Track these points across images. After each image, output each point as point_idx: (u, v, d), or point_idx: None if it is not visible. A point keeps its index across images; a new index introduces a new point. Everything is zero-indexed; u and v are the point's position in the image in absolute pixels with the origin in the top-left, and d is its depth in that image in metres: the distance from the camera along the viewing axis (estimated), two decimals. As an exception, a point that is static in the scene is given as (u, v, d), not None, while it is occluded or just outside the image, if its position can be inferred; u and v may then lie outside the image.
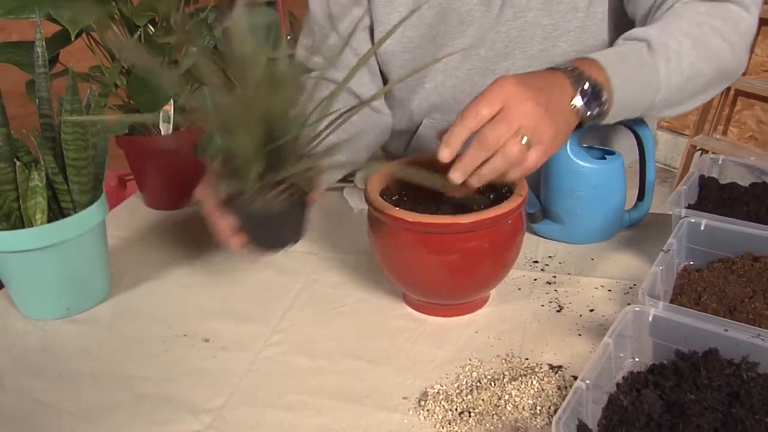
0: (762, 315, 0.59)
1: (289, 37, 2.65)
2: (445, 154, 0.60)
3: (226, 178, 0.58)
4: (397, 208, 0.64)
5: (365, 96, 0.89)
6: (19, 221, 0.69)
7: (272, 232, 0.62)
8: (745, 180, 0.80)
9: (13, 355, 0.68)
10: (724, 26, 0.71)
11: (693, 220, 0.68)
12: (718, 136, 2.75)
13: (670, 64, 0.68)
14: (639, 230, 0.84)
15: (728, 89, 2.64)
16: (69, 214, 0.71)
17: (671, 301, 0.63)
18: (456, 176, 0.60)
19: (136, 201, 1.01)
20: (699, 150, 2.74)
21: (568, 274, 0.77)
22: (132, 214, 0.97)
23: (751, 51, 2.56)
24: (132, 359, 0.67)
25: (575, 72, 0.64)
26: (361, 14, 0.87)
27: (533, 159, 0.61)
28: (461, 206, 0.71)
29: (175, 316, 0.73)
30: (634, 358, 0.57)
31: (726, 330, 0.52)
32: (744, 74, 2.62)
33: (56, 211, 0.72)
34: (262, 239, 0.63)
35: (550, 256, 0.81)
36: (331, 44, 0.88)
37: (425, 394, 0.59)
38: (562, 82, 0.63)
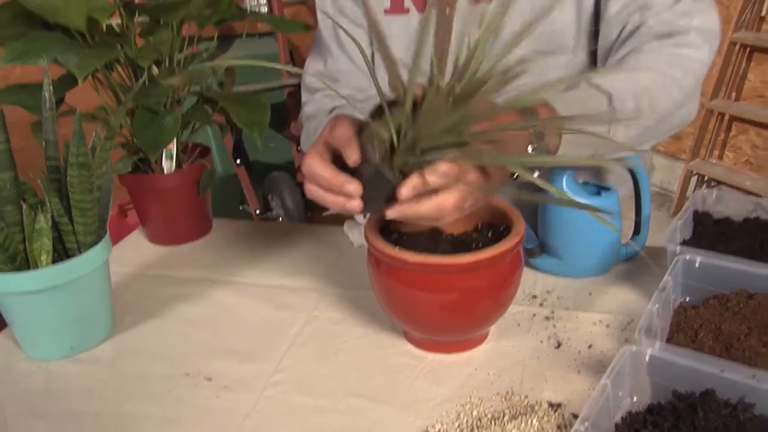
0: (758, 353, 0.60)
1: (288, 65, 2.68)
2: (401, 194, 0.58)
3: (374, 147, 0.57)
4: (397, 248, 0.66)
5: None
6: (24, 262, 0.70)
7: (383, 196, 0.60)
8: (739, 212, 0.81)
9: (17, 396, 0.69)
10: (685, 78, 0.75)
11: (688, 257, 0.69)
12: (714, 161, 2.78)
13: (629, 130, 0.72)
14: (636, 264, 0.85)
15: (723, 115, 2.67)
16: (73, 255, 0.72)
17: (668, 339, 0.64)
18: (390, 213, 0.59)
19: (138, 236, 1.03)
20: (695, 174, 2.76)
21: (567, 308, 0.78)
22: (135, 250, 0.98)
23: (744, 78, 2.61)
24: (135, 399, 0.67)
25: (537, 133, 0.65)
26: (365, 39, 0.90)
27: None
28: (460, 244, 0.72)
29: (178, 354, 0.74)
30: (632, 398, 0.58)
31: (722, 371, 0.53)
32: (737, 100, 2.66)
33: (61, 252, 0.73)
34: (372, 202, 0.61)
35: (548, 291, 0.82)
36: (342, 68, 0.91)
37: (426, 434, 0.60)
38: (522, 141, 0.65)
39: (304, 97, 0.98)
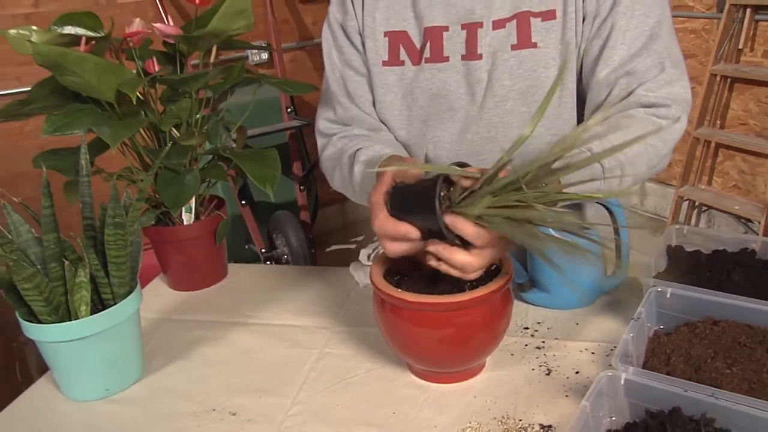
0: (723, 374, 0.68)
1: (289, 110, 2.80)
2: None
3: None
4: (399, 290, 0.74)
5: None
6: (65, 313, 0.78)
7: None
8: (708, 246, 0.89)
9: (60, 434, 0.76)
10: (664, 146, 0.86)
11: (660, 289, 0.77)
12: (703, 187, 2.87)
13: (612, 184, 0.81)
14: (618, 295, 0.93)
15: (709, 142, 2.77)
16: (109, 305, 0.80)
17: (644, 363, 0.72)
18: (431, 248, 0.70)
19: (159, 283, 1.11)
20: (686, 200, 2.85)
21: (556, 338, 0.85)
22: (157, 296, 1.06)
23: (727, 107, 2.71)
24: (168, 434, 0.75)
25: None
26: (367, 85, 0.99)
27: None
28: (455, 283, 0.80)
29: (203, 392, 0.82)
30: (611, 417, 0.65)
31: (686, 391, 0.60)
32: (722, 128, 2.76)
33: (96, 302, 0.81)
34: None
35: (539, 322, 0.89)
36: (352, 115, 0.99)
37: (431, 457, 0.67)
38: None
39: (320, 142, 1.04)
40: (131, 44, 0.98)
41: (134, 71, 0.95)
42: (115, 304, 0.79)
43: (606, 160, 0.79)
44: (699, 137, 2.74)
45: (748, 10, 2.53)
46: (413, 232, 0.70)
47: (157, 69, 1.00)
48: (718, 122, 2.77)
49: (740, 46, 2.60)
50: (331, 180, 1.02)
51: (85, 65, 0.84)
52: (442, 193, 0.67)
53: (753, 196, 2.71)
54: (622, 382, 0.64)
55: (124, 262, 0.79)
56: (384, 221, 0.71)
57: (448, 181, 0.71)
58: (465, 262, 0.69)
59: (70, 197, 0.95)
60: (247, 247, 2.62)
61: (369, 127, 0.99)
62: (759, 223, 2.55)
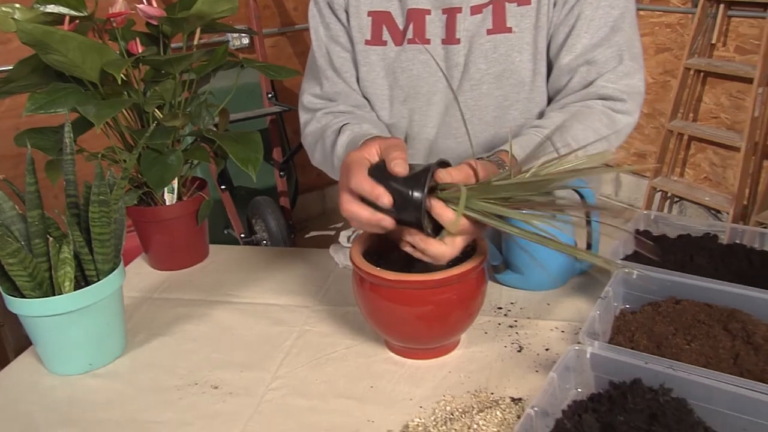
0: (682, 349, 0.72)
1: (270, 96, 2.80)
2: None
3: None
4: (378, 268, 0.76)
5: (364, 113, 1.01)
6: (49, 289, 0.79)
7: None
8: (674, 230, 0.93)
9: (45, 407, 0.78)
10: (616, 138, 0.92)
11: (627, 270, 0.81)
12: (675, 178, 2.94)
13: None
14: (589, 276, 0.97)
15: (682, 135, 2.84)
16: (92, 281, 0.81)
17: (610, 340, 0.76)
18: (409, 238, 0.73)
19: (141, 263, 1.12)
20: (659, 191, 2.92)
21: (528, 318, 0.89)
22: (139, 276, 1.07)
23: (700, 100, 2.78)
24: (151, 407, 0.77)
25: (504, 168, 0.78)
26: (353, 62, 1.00)
27: None
28: (432, 263, 0.83)
29: (186, 366, 0.84)
30: (577, 389, 0.69)
31: (646, 363, 0.64)
32: (695, 120, 2.83)
33: (79, 278, 0.82)
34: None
35: (512, 303, 0.93)
36: (338, 90, 1.01)
37: (407, 427, 0.70)
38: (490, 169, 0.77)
39: (303, 117, 1.05)
40: (114, 24, 0.98)
41: (117, 52, 0.95)
42: (99, 280, 0.81)
43: (561, 146, 0.83)
44: (672, 129, 2.81)
45: (722, 6, 2.59)
46: (386, 197, 0.69)
47: (140, 50, 1.01)
48: (691, 115, 2.83)
49: (713, 41, 2.66)
50: (311, 155, 1.03)
51: (70, 44, 0.85)
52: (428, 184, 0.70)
53: (723, 188, 2.79)
54: (588, 355, 0.68)
55: (108, 239, 0.80)
56: (363, 179, 0.70)
57: (444, 167, 0.73)
58: (439, 252, 0.72)
59: (52, 176, 0.96)
60: (226, 232, 2.62)
61: (354, 103, 1.01)
62: (728, 214, 2.63)
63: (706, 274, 0.80)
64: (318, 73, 1.03)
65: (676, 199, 2.96)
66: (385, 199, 0.69)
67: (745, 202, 2.63)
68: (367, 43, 0.98)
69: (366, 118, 0.98)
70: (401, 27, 0.96)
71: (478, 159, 0.79)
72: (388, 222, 0.72)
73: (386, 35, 0.97)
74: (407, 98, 0.98)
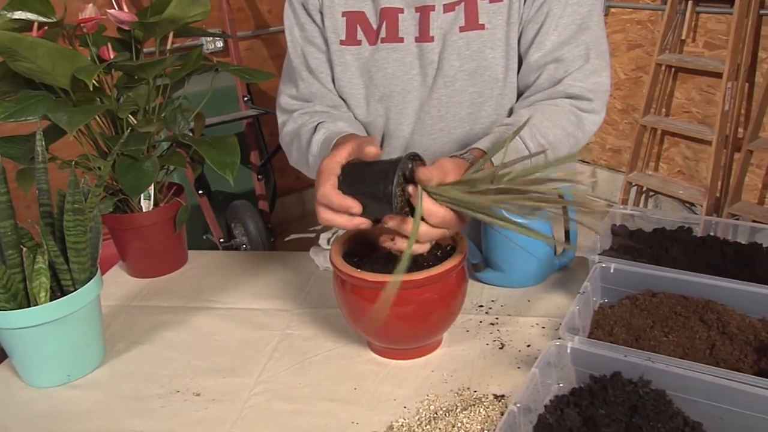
0: (660, 341, 0.73)
1: (246, 99, 2.78)
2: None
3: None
4: (359, 270, 0.76)
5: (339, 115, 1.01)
6: (24, 300, 0.78)
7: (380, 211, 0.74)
8: (649, 224, 0.95)
9: (22, 420, 0.76)
10: (583, 137, 0.93)
11: (604, 265, 0.82)
12: (650, 173, 2.99)
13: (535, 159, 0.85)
14: (568, 272, 0.98)
15: (655, 130, 2.89)
16: (69, 291, 0.80)
17: (589, 334, 0.76)
18: (391, 223, 0.73)
19: (118, 271, 1.11)
20: (635, 185, 2.96)
21: (509, 315, 0.90)
22: (116, 284, 1.06)
23: (672, 95, 2.82)
24: (133, 415, 0.76)
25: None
26: (328, 62, 1.00)
27: None
28: (412, 263, 0.83)
29: (167, 374, 0.83)
30: (559, 384, 0.69)
31: (626, 356, 0.65)
32: (667, 115, 2.88)
33: (55, 289, 0.81)
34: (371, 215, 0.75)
35: (492, 300, 0.93)
36: (314, 90, 1.01)
37: (391, 427, 0.70)
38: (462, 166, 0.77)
39: (281, 118, 1.05)
40: (85, 30, 0.97)
41: (88, 58, 0.94)
42: (76, 290, 0.79)
43: (532, 145, 0.85)
44: (646, 125, 2.85)
45: (690, 3, 2.64)
46: (356, 207, 0.72)
47: (112, 56, 0.99)
48: (664, 110, 2.88)
49: (683, 37, 2.71)
50: (289, 155, 1.04)
51: (39, 51, 0.84)
52: (402, 173, 0.71)
53: (696, 181, 2.84)
54: (569, 350, 0.68)
55: (84, 248, 0.79)
56: (330, 191, 0.72)
57: (414, 160, 0.74)
58: (419, 231, 0.71)
59: (23, 185, 0.94)
60: (204, 237, 2.60)
61: (330, 103, 1.01)
62: (701, 206, 2.67)
63: (681, 267, 0.81)
64: (294, 74, 1.03)
65: (651, 193, 3.00)
66: (355, 209, 0.72)
67: (717, 195, 2.68)
68: (342, 43, 0.98)
69: (342, 117, 0.98)
70: (375, 26, 0.96)
71: (452, 156, 0.79)
72: (365, 224, 0.74)
73: (360, 35, 0.97)
74: (382, 97, 0.99)
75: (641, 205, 3.01)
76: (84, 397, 0.80)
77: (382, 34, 0.95)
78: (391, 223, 0.72)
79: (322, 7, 0.97)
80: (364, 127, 1.02)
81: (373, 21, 0.96)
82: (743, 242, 0.89)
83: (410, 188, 0.71)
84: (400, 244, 0.73)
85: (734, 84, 2.51)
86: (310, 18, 0.99)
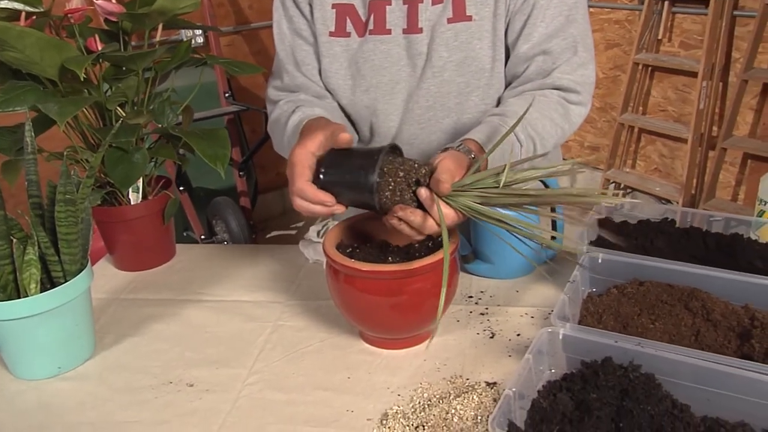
0: (647, 328, 0.75)
1: (227, 95, 2.77)
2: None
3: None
4: (352, 260, 0.77)
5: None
6: (14, 291, 0.77)
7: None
8: (634, 216, 0.97)
9: (12, 413, 0.76)
10: (570, 128, 0.95)
11: (592, 255, 0.84)
12: (627, 170, 3.04)
13: (524, 149, 0.88)
14: (555, 264, 1.00)
15: (632, 128, 2.94)
16: (59, 283, 0.79)
17: (579, 322, 0.78)
18: (398, 211, 0.75)
19: (106, 264, 1.10)
20: (612, 182, 3.01)
21: (498, 305, 0.91)
22: (104, 277, 1.05)
23: (648, 94, 2.87)
24: (125, 407, 0.75)
25: (473, 158, 0.80)
26: (315, 54, 1.02)
27: None
28: (404, 254, 0.85)
29: (159, 366, 0.83)
30: (551, 370, 0.71)
31: (616, 342, 0.67)
32: (644, 114, 2.93)
33: (45, 281, 0.80)
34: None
35: (482, 291, 0.95)
36: (299, 82, 1.02)
37: (386, 415, 0.71)
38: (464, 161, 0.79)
39: (269, 108, 1.07)
40: (72, 21, 0.96)
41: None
42: (66, 281, 0.79)
43: (523, 136, 0.87)
44: (624, 123, 2.90)
45: (666, 3, 2.69)
46: (330, 200, 0.76)
47: (99, 47, 0.98)
48: (641, 108, 2.93)
49: (660, 37, 2.76)
50: (273, 142, 1.05)
51: (27, 40, 0.83)
52: (387, 159, 0.74)
53: (672, 179, 2.89)
54: (561, 337, 0.70)
55: (76, 239, 0.79)
56: (305, 185, 0.76)
57: (393, 151, 0.77)
58: (427, 224, 0.74)
59: (9, 177, 0.93)
60: (185, 233, 2.58)
61: (314, 94, 1.03)
62: (677, 203, 2.73)
63: (666, 257, 0.83)
64: (281, 67, 1.04)
65: (628, 190, 3.06)
66: (329, 201, 0.76)
67: (693, 192, 2.74)
68: (331, 35, 0.98)
69: (324, 106, 0.99)
70: (364, 19, 0.97)
71: (446, 149, 0.81)
72: (340, 210, 0.78)
73: (350, 27, 0.98)
74: (369, 88, 0.99)
75: (619, 202, 3.05)
76: (75, 389, 0.79)
77: (370, 26, 0.96)
78: (400, 213, 0.74)
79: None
80: (350, 118, 1.03)
81: (362, 13, 0.97)
82: (725, 234, 0.91)
83: (423, 192, 0.73)
84: (406, 229, 0.75)
85: (709, 83, 2.57)
86: (298, 11, 0.99)
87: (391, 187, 0.74)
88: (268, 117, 1.06)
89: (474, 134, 0.84)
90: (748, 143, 2.51)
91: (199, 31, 2.81)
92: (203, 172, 2.70)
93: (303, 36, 1.01)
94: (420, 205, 0.75)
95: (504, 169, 0.73)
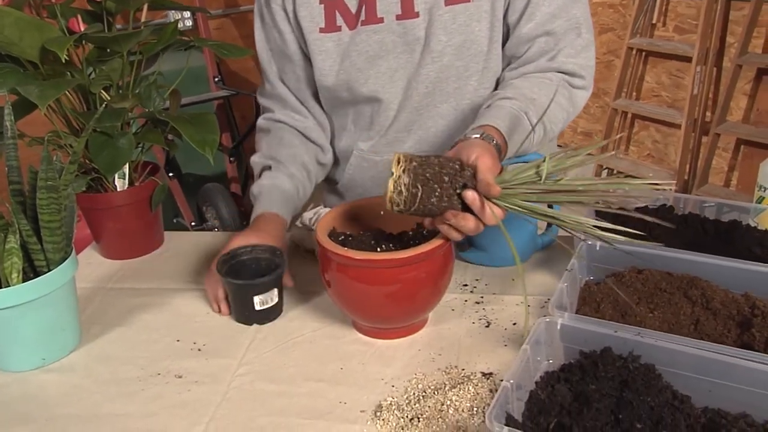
0: (645, 317, 0.73)
1: (216, 80, 2.72)
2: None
3: None
4: (345, 248, 0.75)
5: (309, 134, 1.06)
6: (-5, 281, 0.75)
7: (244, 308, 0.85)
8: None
9: (-4, 406, 0.73)
10: (574, 112, 0.96)
11: (590, 243, 0.82)
12: (621, 156, 3.03)
13: (536, 136, 0.88)
14: (551, 251, 0.98)
15: (626, 113, 2.92)
16: (42, 272, 0.77)
17: (576, 311, 0.77)
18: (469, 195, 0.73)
19: (92, 252, 1.07)
20: (605, 168, 3.00)
21: (494, 293, 0.90)
22: (90, 266, 1.02)
23: (642, 79, 2.85)
24: (112, 399, 0.73)
25: (497, 146, 0.78)
26: (302, 65, 1.01)
27: None
28: (398, 241, 0.83)
29: (147, 357, 0.80)
30: (548, 361, 0.69)
31: (615, 332, 0.65)
32: (638, 99, 2.91)
33: (28, 270, 0.78)
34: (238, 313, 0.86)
35: (477, 279, 0.93)
36: (279, 92, 1.02)
37: (380, 406, 0.70)
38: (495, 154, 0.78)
39: (262, 109, 1.11)
40: (53, 0, 0.93)
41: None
42: (50, 270, 0.76)
43: (535, 119, 0.86)
44: (617, 108, 2.88)
45: (662, -13, 2.67)
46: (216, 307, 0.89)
47: (82, 28, 0.95)
48: (634, 94, 2.91)
49: (654, 21, 2.74)
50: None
51: (6, 20, 0.79)
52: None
53: (665, 164, 2.89)
54: (558, 327, 0.68)
55: (59, 227, 0.76)
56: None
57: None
58: (474, 226, 0.73)
59: (-9, 163, 0.90)
60: (175, 220, 2.55)
61: (292, 108, 1.05)
62: (670, 189, 2.72)
63: (664, 244, 0.81)
64: (264, 72, 1.06)
65: (621, 176, 3.05)
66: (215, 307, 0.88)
67: (686, 177, 2.73)
68: (322, 31, 0.96)
69: (288, 170, 1.01)
70: (354, 10, 0.94)
71: (465, 137, 0.78)
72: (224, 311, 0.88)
73: (340, 20, 0.95)
74: (368, 80, 0.97)
75: (612, 187, 3.05)
76: (60, 381, 0.77)
77: (362, 17, 0.94)
78: (453, 220, 0.73)
79: None
80: (347, 117, 1.04)
81: (352, 5, 0.94)
82: (723, 220, 0.90)
83: (471, 195, 0.72)
84: (455, 234, 0.74)
85: (703, 68, 2.55)
86: (270, 17, 0.99)
87: (437, 193, 0.72)
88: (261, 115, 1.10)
89: (494, 120, 0.82)
90: (741, 129, 2.50)
91: (187, 14, 2.76)
92: (193, 158, 2.66)
93: (279, 48, 1.01)
94: (465, 207, 0.73)
95: (545, 160, 0.72)
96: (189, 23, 2.79)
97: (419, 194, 0.71)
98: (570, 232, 0.75)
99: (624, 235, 0.72)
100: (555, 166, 0.73)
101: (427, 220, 0.76)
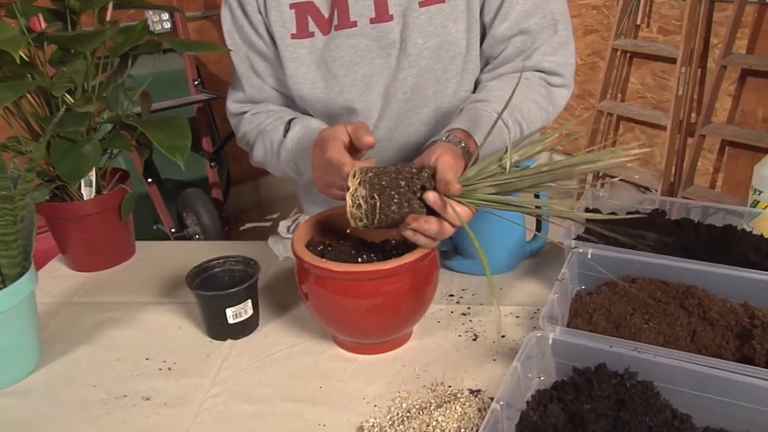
0: (641, 329, 0.70)
1: (196, 83, 2.67)
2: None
3: None
4: (324, 259, 0.70)
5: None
6: (-55, 299, 0.69)
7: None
8: (623, 206, 0.92)
9: (-55, 434, 0.68)
10: (554, 111, 0.91)
11: (581, 251, 0.78)
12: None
13: (512, 135, 0.84)
14: (540, 258, 0.94)
15: (611, 115, 2.90)
16: (-2, 288, 0.71)
17: (568, 323, 0.73)
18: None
19: (58, 264, 1.01)
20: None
21: (481, 304, 0.85)
22: (55, 279, 0.97)
23: (627, 81, 2.83)
24: (72, 426, 0.68)
25: (465, 148, 0.75)
26: (276, 66, 0.95)
27: None
28: (380, 251, 0.78)
29: (113, 378, 0.75)
30: (540, 378, 0.65)
31: (611, 346, 0.62)
32: (623, 101, 2.90)
33: (-18, 286, 0.72)
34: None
35: (463, 289, 0.89)
36: (265, 95, 0.97)
37: (361, 428, 0.65)
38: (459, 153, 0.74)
39: (233, 121, 1.02)
40: (13, -1, 0.87)
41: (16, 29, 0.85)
42: (5, 287, 0.71)
43: (510, 121, 0.82)
44: (602, 110, 2.86)
45: (645, -12, 2.65)
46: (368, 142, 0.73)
47: (43, 26, 0.90)
48: (619, 95, 2.90)
49: (638, 22, 2.72)
50: (250, 155, 1.00)
51: (-42, 19, 0.74)
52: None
53: (651, 166, 2.87)
54: (550, 342, 0.64)
55: (15, 240, 0.71)
56: (337, 151, 0.72)
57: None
58: (437, 228, 0.69)
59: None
60: (155, 227, 2.48)
61: (282, 103, 0.98)
62: (656, 191, 2.71)
63: (656, 251, 0.78)
64: (240, 78, 0.98)
65: (607, 178, 3.03)
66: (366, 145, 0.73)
67: (672, 179, 2.72)
68: (293, 37, 0.91)
69: (308, 116, 0.94)
70: (326, 15, 0.90)
71: (435, 141, 0.75)
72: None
73: (312, 26, 0.91)
74: (344, 88, 0.92)
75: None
76: (17, 407, 0.71)
77: (335, 21, 0.89)
78: (414, 224, 0.69)
79: (266, 1, 0.90)
80: (327, 122, 0.96)
81: (324, 9, 0.90)
82: (717, 225, 0.87)
83: (432, 197, 0.68)
84: (422, 239, 0.70)
85: (687, 69, 2.54)
86: (247, 20, 0.92)
87: (396, 200, 0.68)
88: (235, 130, 1.01)
89: (458, 122, 0.79)
90: (726, 130, 2.49)
91: (166, 16, 2.70)
92: (172, 163, 2.60)
93: (256, 48, 0.94)
94: (430, 210, 0.69)
95: (505, 152, 0.68)
96: (168, 25, 2.73)
97: (377, 204, 0.67)
98: (534, 215, 0.71)
99: (597, 222, 0.69)
100: (521, 155, 0.69)
101: (394, 230, 0.72)
